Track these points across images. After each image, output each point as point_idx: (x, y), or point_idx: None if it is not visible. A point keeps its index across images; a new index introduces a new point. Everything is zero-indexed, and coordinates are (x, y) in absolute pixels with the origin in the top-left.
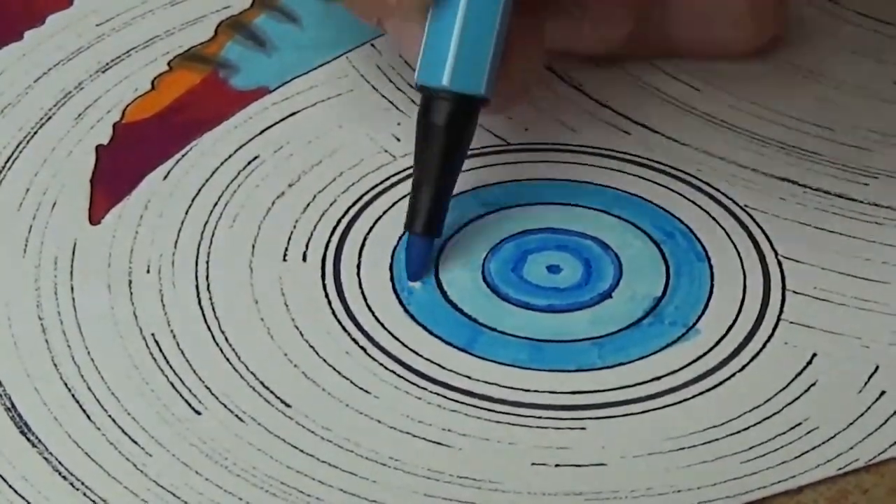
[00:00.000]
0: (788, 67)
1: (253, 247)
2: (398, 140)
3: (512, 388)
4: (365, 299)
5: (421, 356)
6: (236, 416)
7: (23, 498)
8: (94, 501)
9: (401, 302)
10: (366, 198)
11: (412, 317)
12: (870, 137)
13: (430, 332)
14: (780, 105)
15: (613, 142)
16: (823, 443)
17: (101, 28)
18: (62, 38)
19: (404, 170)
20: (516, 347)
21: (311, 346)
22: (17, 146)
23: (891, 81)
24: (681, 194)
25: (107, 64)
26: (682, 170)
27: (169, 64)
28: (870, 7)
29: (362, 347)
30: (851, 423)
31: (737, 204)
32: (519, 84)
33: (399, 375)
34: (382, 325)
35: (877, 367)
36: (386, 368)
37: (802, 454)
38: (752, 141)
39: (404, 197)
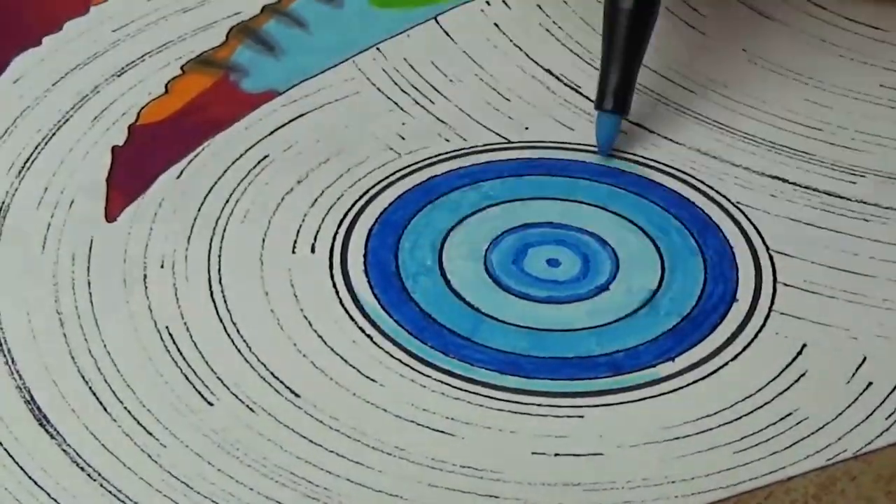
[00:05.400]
0: (780, 70)
1: (263, 241)
2: (402, 138)
3: (513, 375)
4: (371, 289)
5: (426, 344)
6: (247, 406)
7: (41, 488)
8: (109, 492)
9: (406, 291)
10: (372, 192)
11: (417, 305)
12: (858, 138)
13: (434, 321)
14: (771, 106)
15: None
16: (812, 433)
17: (117, 34)
18: (79, 43)
19: (409, 166)
20: (517, 336)
21: (320, 336)
22: (36, 147)
23: (878, 84)
24: (676, 192)
25: (122, 68)
26: (677, 168)
27: (182, 68)
28: (858, 12)
29: (369, 336)
30: (840, 414)
31: (729, 201)
32: None
33: (404, 363)
34: (388, 313)
35: (864, 358)
36: (392, 357)
37: (792, 444)
38: (744, 141)
39: (408, 191)
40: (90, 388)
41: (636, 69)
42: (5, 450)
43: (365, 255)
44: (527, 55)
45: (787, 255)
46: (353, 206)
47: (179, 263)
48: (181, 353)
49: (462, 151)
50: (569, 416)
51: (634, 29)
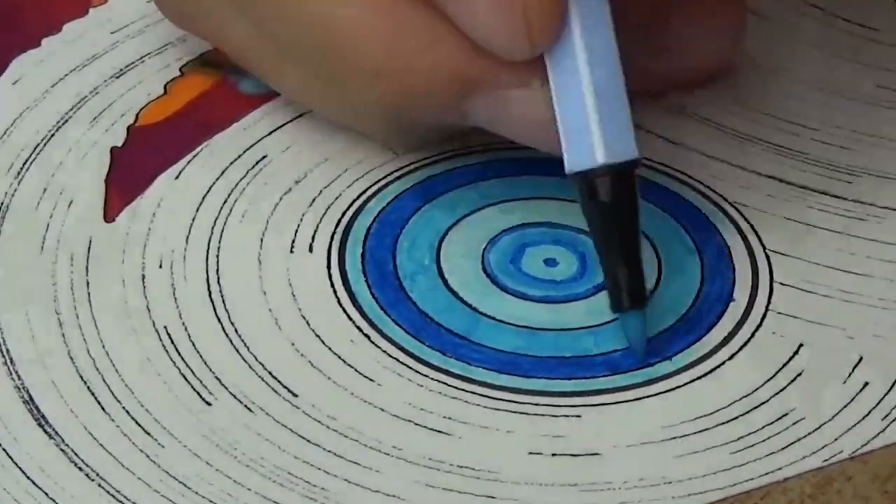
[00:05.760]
0: (776, 70)
1: (261, 240)
2: None
3: (510, 374)
4: (369, 288)
5: (423, 343)
6: (245, 406)
7: (40, 488)
8: (108, 492)
9: (404, 290)
10: (370, 191)
11: (415, 304)
12: (853, 137)
13: (432, 320)
14: (767, 106)
15: None
16: (809, 434)
17: (116, 35)
18: (78, 45)
19: (406, 165)
20: (514, 335)
21: (318, 336)
22: (35, 148)
23: (872, 84)
24: (672, 191)
25: (121, 70)
26: (673, 168)
27: (181, 69)
28: (852, 12)
29: (366, 335)
30: (836, 415)
31: (726, 200)
32: None
33: (402, 363)
34: (386, 312)
35: (861, 358)
36: (389, 356)
37: (789, 445)
38: (740, 140)
39: (406, 190)
40: (88, 387)
41: (640, 254)
42: (3, 449)
43: (363, 255)
44: None
45: (783, 254)
46: (350, 205)
47: (178, 263)
48: (179, 353)
49: (460, 151)
50: (566, 416)
51: (623, 219)
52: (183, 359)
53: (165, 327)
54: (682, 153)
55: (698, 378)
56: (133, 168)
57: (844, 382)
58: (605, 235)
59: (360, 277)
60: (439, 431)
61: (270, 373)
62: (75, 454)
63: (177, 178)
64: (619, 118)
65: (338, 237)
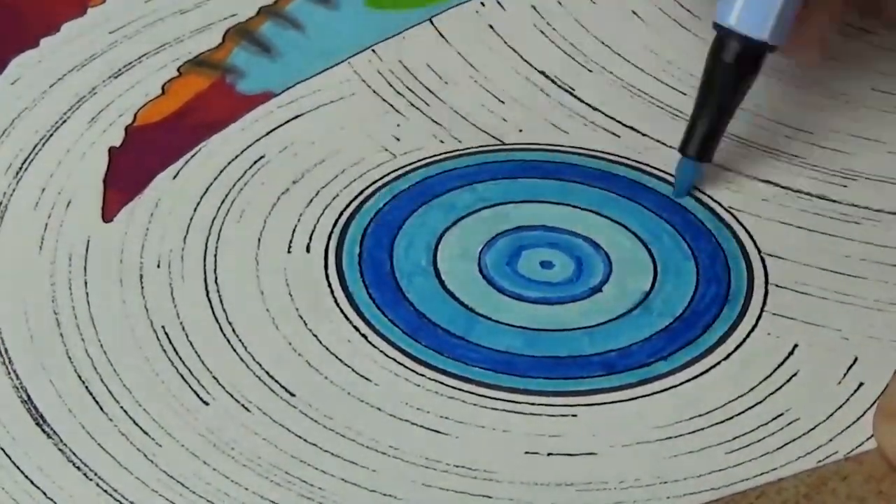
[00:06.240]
0: (772, 74)
1: (259, 240)
2: (398, 140)
3: (507, 374)
4: (366, 288)
5: (420, 343)
6: (242, 405)
7: (38, 487)
8: (105, 491)
9: (401, 291)
10: (367, 192)
11: (412, 305)
12: (849, 141)
13: (429, 320)
14: (763, 110)
15: (604, 144)
16: (804, 434)
17: (114, 35)
18: (76, 45)
19: (404, 166)
20: (511, 335)
21: (315, 335)
22: (34, 148)
23: (869, 88)
24: (668, 196)
25: (119, 70)
26: (669, 172)
27: (179, 69)
28: (849, 17)
29: (363, 335)
30: (830, 416)
31: (721, 205)
32: (814, 37)
33: (399, 363)
34: (383, 312)
35: (855, 359)
36: (386, 356)
37: (784, 445)
38: (735, 144)
39: (403, 192)
40: (86, 387)
41: (726, 122)
42: (2, 449)
43: (360, 255)
44: (521, 57)
45: (778, 257)
46: (348, 206)
47: (175, 263)
48: (177, 353)
49: (457, 153)
50: (562, 416)
51: (731, 84)
52: (180, 358)
53: (163, 327)
54: (677, 157)
55: (694, 378)
56: (131, 168)
57: (839, 383)
58: (708, 88)
59: (357, 278)
60: (436, 431)
61: (267, 372)
62: (73, 453)
63: (175, 177)
64: (769, 3)
65: (335, 238)
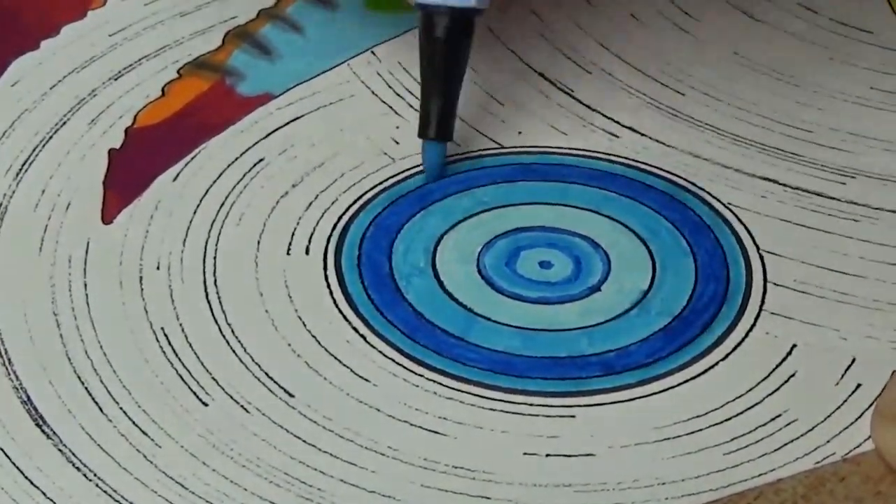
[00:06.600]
0: (771, 73)
1: (258, 243)
2: (397, 143)
3: (505, 375)
4: (365, 289)
5: (418, 344)
6: (242, 406)
7: (37, 488)
8: (105, 492)
9: (399, 292)
10: (366, 196)
11: (410, 306)
12: (848, 139)
13: (427, 321)
14: (762, 109)
15: (603, 145)
16: (802, 435)
17: (114, 38)
18: (76, 47)
19: (403, 171)
20: (509, 336)
21: (314, 336)
22: (34, 150)
23: (868, 86)
24: (667, 194)
25: (119, 72)
26: (668, 171)
27: (178, 71)
28: (847, 15)
29: (362, 336)
30: (828, 416)
31: (720, 202)
32: None
33: (397, 363)
34: (381, 313)
35: (854, 360)
36: (385, 356)
37: (782, 446)
38: (734, 143)
39: (402, 196)
40: (86, 388)
41: (457, 96)
42: (2, 450)
43: (359, 257)
44: (520, 59)
45: (777, 255)
46: (347, 209)
47: (175, 265)
48: (176, 354)
49: (455, 156)
50: (561, 416)
51: (450, 58)
52: (180, 359)
53: (163, 328)
54: (675, 155)
55: (692, 379)
56: (131, 170)
57: (837, 384)
58: (430, 69)
59: (356, 279)
60: (434, 432)
61: (267, 373)
62: (73, 454)
63: (174, 179)
64: None
65: (334, 240)
